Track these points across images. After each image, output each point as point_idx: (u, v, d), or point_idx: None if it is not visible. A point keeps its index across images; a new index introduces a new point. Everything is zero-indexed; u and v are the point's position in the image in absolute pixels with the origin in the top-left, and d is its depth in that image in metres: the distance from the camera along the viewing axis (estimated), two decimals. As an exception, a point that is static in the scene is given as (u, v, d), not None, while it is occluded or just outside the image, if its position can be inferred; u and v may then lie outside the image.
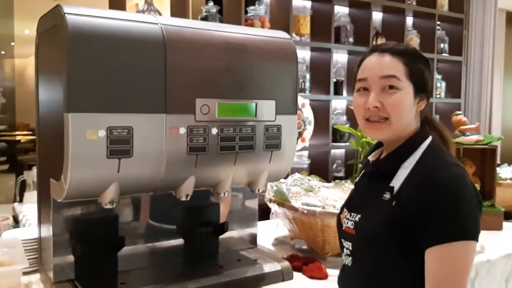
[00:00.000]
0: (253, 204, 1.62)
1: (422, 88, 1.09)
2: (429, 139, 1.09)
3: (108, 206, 1.18)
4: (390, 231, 1.01)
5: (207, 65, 1.24)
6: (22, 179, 2.29)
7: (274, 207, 1.72)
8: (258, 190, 1.46)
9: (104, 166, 1.11)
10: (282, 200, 1.64)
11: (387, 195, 1.04)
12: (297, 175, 1.86)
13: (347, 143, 3.61)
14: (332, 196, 1.69)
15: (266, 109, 1.33)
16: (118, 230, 1.35)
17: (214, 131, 1.25)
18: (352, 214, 1.12)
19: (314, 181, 1.85)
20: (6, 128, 7.42)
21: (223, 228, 1.50)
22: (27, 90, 7.23)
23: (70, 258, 1.30)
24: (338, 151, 3.67)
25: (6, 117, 7.38)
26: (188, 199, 1.29)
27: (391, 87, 1.06)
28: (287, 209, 1.60)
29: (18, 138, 7.29)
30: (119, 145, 1.12)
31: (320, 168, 3.44)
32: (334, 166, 3.62)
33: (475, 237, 0.97)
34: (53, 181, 1.20)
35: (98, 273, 1.30)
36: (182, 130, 1.20)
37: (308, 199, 1.64)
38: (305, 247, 1.73)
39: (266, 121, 1.34)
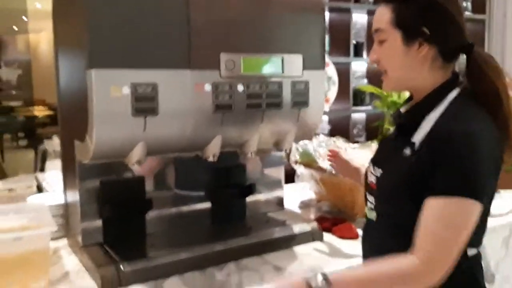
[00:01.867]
0: (279, 165, 1.58)
1: (415, 33, 0.99)
2: (456, 90, 1.02)
3: (135, 167, 1.16)
4: (408, 186, 0.98)
5: (231, 17, 1.18)
6: (44, 148, 2.28)
7: (300, 169, 1.68)
8: (285, 151, 1.42)
9: (129, 124, 1.07)
10: (309, 162, 1.60)
11: (407, 151, 0.99)
12: (322, 136, 1.81)
13: (368, 107, 3.54)
14: (360, 156, 1.64)
15: (293, 64, 1.27)
16: (145, 193, 1.32)
17: (240, 88, 1.21)
18: (376, 168, 1.08)
19: (340, 142, 1.80)
20: (23, 104, 7.46)
21: (250, 189, 1.47)
22: (43, 66, 7.23)
23: (98, 222, 1.28)
24: (358, 116, 3.60)
25: (23, 93, 7.42)
26: (215, 159, 1.25)
27: (380, 41, 1.03)
28: (315, 170, 1.56)
29: (35, 113, 7.33)
30: (144, 103, 1.08)
31: (340, 133, 3.33)
32: (355, 131, 3.56)
33: (479, 198, 0.91)
34: (78, 143, 1.18)
35: (126, 236, 1.29)
36: (208, 87, 1.16)
37: (335, 159, 1.60)
38: (332, 209, 1.70)
39: (293, 76, 1.28)
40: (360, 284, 0.92)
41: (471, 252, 0.99)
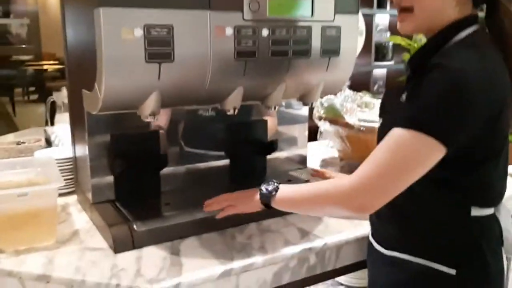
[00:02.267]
0: (303, 121, 1.47)
1: None
2: (469, 29, 0.89)
3: (149, 120, 1.05)
4: None
5: (256, -49, 1.04)
6: (52, 100, 2.19)
7: (324, 126, 1.56)
8: (311, 105, 1.30)
9: (143, 71, 0.96)
10: (335, 117, 1.48)
11: (404, 96, 0.91)
12: (347, 91, 1.69)
13: (390, 62, 3.38)
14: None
15: (323, 7, 1.14)
16: (160, 148, 1.22)
17: (265, 32, 1.08)
18: (380, 119, 1.02)
19: (367, 97, 1.68)
20: (32, 58, 7.35)
21: (272, 146, 1.36)
22: (51, 20, 7.06)
23: (109, 178, 1.19)
24: (379, 72, 3.44)
25: (32, 47, 7.29)
26: (235, 112, 1.14)
27: None
28: (341, 126, 1.45)
29: (45, 67, 7.22)
30: (159, 47, 0.96)
31: (360, 89, 3.23)
32: (376, 87, 3.41)
33: (443, 140, 0.81)
34: (86, 92, 1.07)
35: (139, 193, 1.20)
36: (229, 31, 1.03)
37: (363, 114, 1.48)
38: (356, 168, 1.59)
39: (324, 21, 1.15)
40: (298, 200, 0.96)
41: (476, 212, 0.90)
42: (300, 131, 1.49)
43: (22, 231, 1.03)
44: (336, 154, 1.71)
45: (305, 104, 1.27)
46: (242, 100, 1.13)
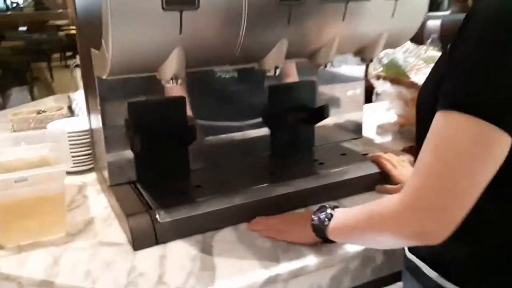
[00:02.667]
0: (359, 81, 1.23)
1: None
2: None
3: (171, 84, 0.84)
4: (429, 104, 0.64)
5: None
6: (76, 63, 2.01)
7: (382, 86, 1.31)
8: (370, 61, 1.05)
9: (160, 23, 0.74)
10: (398, 76, 1.23)
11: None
12: (408, 43, 1.41)
13: (446, 13, 3.03)
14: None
15: None
16: (187, 118, 1.02)
17: (316, -33, 0.83)
18: None
19: (433, 51, 1.40)
20: (69, 22, 7.24)
21: (322, 113, 1.13)
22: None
23: (129, 154, 1.00)
24: (433, 23, 3.09)
25: (68, 11, 7.18)
26: (277, 73, 0.92)
27: None
28: (405, 87, 1.20)
29: (80, 31, 7.11)
30: (179, -10, 0.73)
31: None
32: (429, 41, 3.07)
33: (496, 119, 0.55)
34: (94, 52, 0.86)
35: (165, 173, 1.01)
36: (270, -34, 0.79)
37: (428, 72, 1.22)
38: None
39: (391, -49, 0.89)
40: (348, 228, 0.73)
41: None
42: (355, 93, 1.25)
43: (25, 222, 0.86)
44: (395, 118, 1.46)
45: (363, 60, 1.03)
46: (286, 56, 0.90)
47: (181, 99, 1.00)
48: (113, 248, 0.84)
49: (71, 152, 1.17)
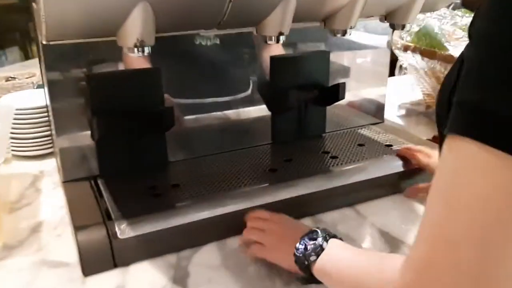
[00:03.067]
0: (382, 53, 0.99)
1: None
2: None
3: (136, 54, 0.61)
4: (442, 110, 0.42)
5: None
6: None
7: (410, 59, 1.08)
8: (402, 28, 0.82)
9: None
10: (431, 47, 0.99)
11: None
12: (443, 9, 1.17)
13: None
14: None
15: None
16: (164, 97, 0.79)
17: None
18: None
19: (469, 17, 1.15)
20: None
21: (336, 93, 0.90)
22: None
23: (89, 141, 0.78)
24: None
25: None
26: (281, 41, 0.69)
27: None
28: (440, 61, 0.96)
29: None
30: None
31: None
32: (451, 6, 2.79)
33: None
34: (34, 6, 0.63)
35: (133, 167, 0.79)
36: None
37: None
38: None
39: None
40: (337, 279, 0.52)
41: None
42: (377, 68, 1.01)
43: None
44: (420, 97, 1.23)
45: (393, 27, 0.80)
46: (292, 21, 0.68)
47: (155, 72, 0.77)
48: (58, 270, 0.64)
49: (28, 132, 0.97)
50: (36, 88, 1.30)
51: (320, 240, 0.56)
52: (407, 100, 1.26)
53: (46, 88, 0.78)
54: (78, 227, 0.65)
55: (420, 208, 0.78)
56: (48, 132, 0.97)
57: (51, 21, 0.54)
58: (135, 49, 0.60)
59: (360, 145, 0.91)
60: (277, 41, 0.71)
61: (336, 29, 0.76)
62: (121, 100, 0.76)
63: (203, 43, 0.88)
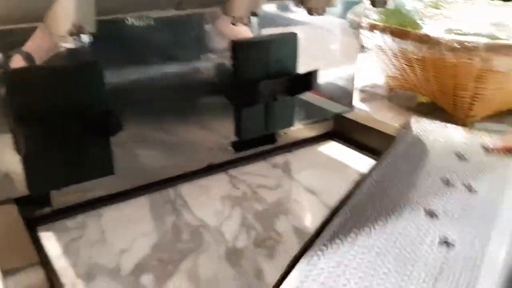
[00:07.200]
0: (350, 35, 0.89)
1: None
2: None
3: (69, 44, 0.47)
4: None
5: None
6: None
7: (377, 39, 0.98)
8: (384, 4, 0.72)
9: None
10: (402, 26, 0.90)
11: None
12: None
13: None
14: (480, 16, 0.95)
15: None
16: (106, 96, 0.64)
17: None
18: None
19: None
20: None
21: (308, 82, 0.79)
22: None
23: (13, 154, 0.62)
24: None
25: None
26: (249, 22, 0.58)
27: None
28: (413, 41, 0.88)
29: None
30: None
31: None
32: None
33: None
34: None
35: (72, 181, 0.64)
36: None
37: (444, 22, 0.91)
38: (419, 104, 1.05)
39: None
40: None
41: None
42: (344, 52, 0.91)
43: None
44: (381, 80, 1.15)
45: (374, 4, 0.70)
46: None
47: (93, 65, 0.62)
48: (-19, 332, 0.49)
49: None
50: None
51: None
52: (365, 82, 1.18)
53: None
54: (6, 272, 0.50)
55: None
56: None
57: None
58: (70, 39, 0.46)
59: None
60: (246, 20, 0.60)
61: (310, 7, 0.66)
62: (52, 101, 0.60)
63: (136, 23, 0.72)
